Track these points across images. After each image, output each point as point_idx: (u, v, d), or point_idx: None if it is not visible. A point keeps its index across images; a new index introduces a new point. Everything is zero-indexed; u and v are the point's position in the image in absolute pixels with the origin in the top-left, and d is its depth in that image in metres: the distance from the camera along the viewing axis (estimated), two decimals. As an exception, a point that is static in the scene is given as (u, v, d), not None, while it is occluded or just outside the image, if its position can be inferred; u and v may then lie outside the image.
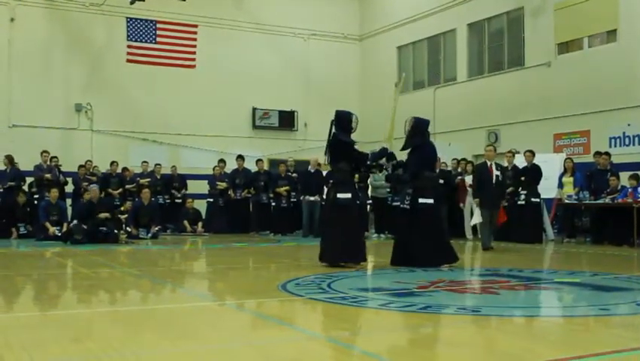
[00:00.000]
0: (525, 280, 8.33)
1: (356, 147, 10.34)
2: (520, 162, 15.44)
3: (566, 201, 15.26)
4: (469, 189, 16.13)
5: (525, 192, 14.97)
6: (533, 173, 14.98)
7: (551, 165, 15.83)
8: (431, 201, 9.79)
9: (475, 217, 14.02)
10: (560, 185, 15.50)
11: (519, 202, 15.01)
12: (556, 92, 17.43)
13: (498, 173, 13.18)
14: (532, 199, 14.89)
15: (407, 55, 22.85)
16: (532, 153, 15.08)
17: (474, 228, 15.19)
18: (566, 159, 15.84)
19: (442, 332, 5.36)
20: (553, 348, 4.63)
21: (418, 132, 10.49)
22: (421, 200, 9.76)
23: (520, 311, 6.40)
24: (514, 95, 18.59)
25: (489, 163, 13.32)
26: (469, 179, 16.26)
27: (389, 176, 13.21)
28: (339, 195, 9.70)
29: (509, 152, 16.07)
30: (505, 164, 15.87)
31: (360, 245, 9.83)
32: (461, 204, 16.21)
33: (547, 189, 15.32)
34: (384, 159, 10.53)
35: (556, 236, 15.62)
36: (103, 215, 14.89)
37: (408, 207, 9.86)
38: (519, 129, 18.13)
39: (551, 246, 14.55)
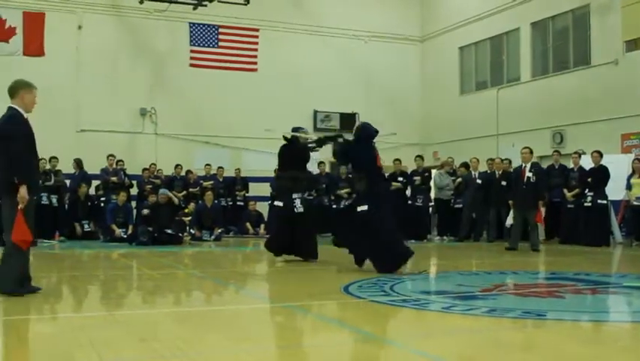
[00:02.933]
0: (592, 284, 8.13)
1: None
2: (587, 163, 15.11)
3: (634, 203, 14.84)
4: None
5: (592, 193, 14.65)
6: (600, 174, 14.63)
7: (619, 166, 15.40)
8: (365, 207, 9.34)
9: (509, 218, 14.19)
10: (628, 186, 15.07)
11: (585, 204, 14.71)
12: (623, 91, 16.97)
13: (530, 174, 13.39)
14: (599, 201, 14.55)
15: (469, 55, 22.60)
16: (600, 154, 14.74)
17: (508, 228, 15.00)
18: (634, 159, 15.38)
19: (507, 336, 5.27)
20: (623, 354, 4.50)
21: (362, 139, 10.23)
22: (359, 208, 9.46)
23: (588, 316, 6.24)
24: (579, 95, 18.18)
25: (523, 165, 13.65)
26: None
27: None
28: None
29: (575, 153, 15.76)
30: (571, 165, 15.60)
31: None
32: None
33: (615, 190, 14.92)
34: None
35: (624, 239, 15.22)
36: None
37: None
38: (585, 130, 17.73)
39: (619, 249, 14.19)
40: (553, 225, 16.09)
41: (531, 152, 13.86)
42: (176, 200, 16.33)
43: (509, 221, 14.26)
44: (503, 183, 15.93)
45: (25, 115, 7.07)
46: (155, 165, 19.15)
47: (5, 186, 6.71)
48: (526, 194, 13.45)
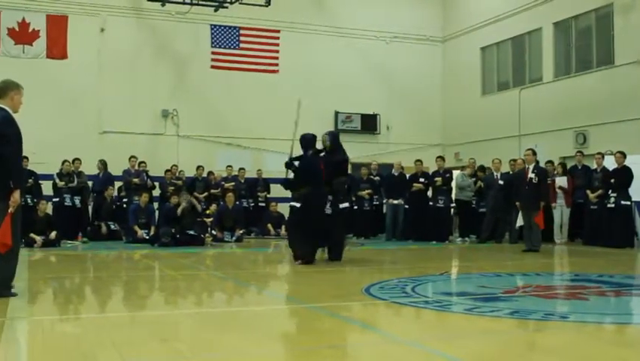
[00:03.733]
0: (616, 286, 8.05)
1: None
2: (611, 163, 14.97)
3: (659, 204, 14.70)
4: (559, 191, 15.80)
5: (615, 194, 14.51)
6: (624, 175, 14.48)
7: (643, 166, 15.27)
8: (347, 204, 11.34)
9: (518, 220, 14.19)
10: (653, 187, 14.93)
11: (609, 205, 14.57)
12: (647, 91, 16.81)
13: (532, 175, 13.50)
14: (623, 202, 14.41)
15: (491, 56, 22.48)
16: (623, 155, 14.59)
17: (520, 230, 14.92)
18: (659, 160, 15.25)
19: (530, 338, 5.23)
20: (648, 356, 4.45)
21: (336, 146, 11.56)
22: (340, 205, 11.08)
23: (611, 318, 6.18)
24: (603, 95, 18.01)
25: (527, 167, 13.79)
26: (560, 180, 15.89)
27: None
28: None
29: (598, 153, 15.62)
30: (594, 166, 15.47)
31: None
32: (552, 205, 15.80)
33: (639, 191, 14.77)
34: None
35: (648, 240, 15.06)
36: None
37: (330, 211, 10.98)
38: (609, 130, 17.55)
39: (644, 250, 14.04)
40: (577, 226, 15.98)
41: (534, 153, 13.88)
42: (199, 207, 16.29)
43: (518, 223, 14.28)
44: (500, 182, 16.29)
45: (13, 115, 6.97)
46: (176, 166, 19.24)
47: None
48: (529, 195, 13.51)
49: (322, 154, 11.52)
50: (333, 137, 11.80)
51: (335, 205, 11.10)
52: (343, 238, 11.57)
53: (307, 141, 11.41)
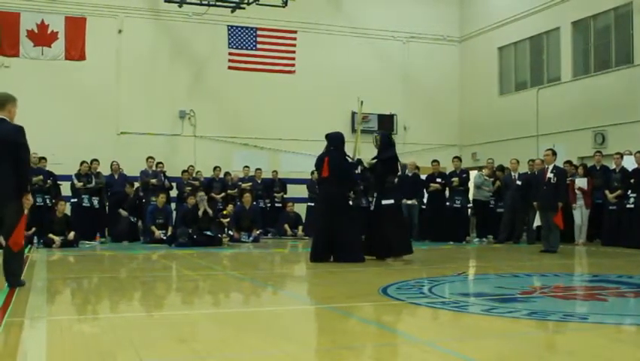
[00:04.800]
0: (635, 287, 7.97)
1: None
2: (630, 163, 14.86)
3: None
4: (578, 192, 15.69)
5: (635, 195, 14.41)
6: (643, 175, 14.39)
7: (663, 166, 15.14)
8: (392, 201, 11.26)
9: (536, 220, 14.17)
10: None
11: (628, 206, 14.48)
12: (667, 91, 16.67)
13: (551, 175, 13.43)
14: (643, 202, 14.31)
15: (508, 56, 22.38)
16: (643, 155, 14.50)
17: (537, 230, 14.83)
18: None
19: (548, 339, 5.20)
20: (668, 358, 4.41)
21: (386, 145, 11.77)
22: (384, 201, 11.21)
23: (631, 320, 6.12)
24: (622, 95, 17.88)
25: (546, 166, 13.73)
26: (579, 181, 15.78)
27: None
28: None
29: (617, 154, 15.51)
30: (613, 166, 15.36)
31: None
32: (573, 205, 15.70)
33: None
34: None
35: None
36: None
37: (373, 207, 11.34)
38: (628, 130, 17.43)
39: (664, 251, 13.91)
40: (595, 226, 15.87)
41: (554, 153, 13.79)
42: (210, 212, 16.13)
43: (537, 223, 14.23)
44: (518, 182, 16.23)
45: None
46: (193, 167, 19.32)
47: (15, 192, 7.31)
48: (547, 195, 13.43)
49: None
50: (383, 136, 11.93)
51: (379, 202, 11.20)
52: (392, 233, 11.23)
53: (333, 139, 11.44)
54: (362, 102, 12.67)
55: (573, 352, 4.60)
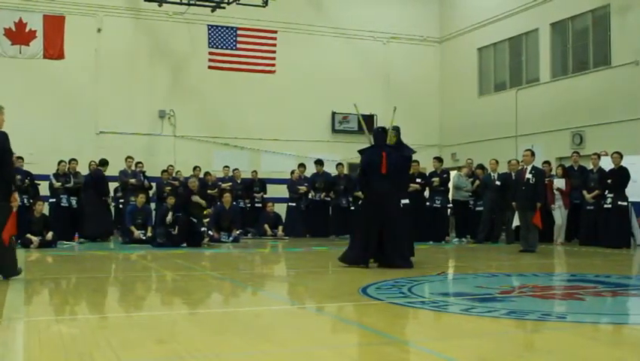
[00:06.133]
0: (612, 287, 8.06)
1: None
2: (607, 164, 14.99)
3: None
4: (556, 193, 15.80)
5: (612, 195, 14.54)
6: (620, 176, 14.50)
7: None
8: (407, 201, 10.99)
9: (515, 220, 14.29)
10: (649, 188, 14.95)
11: (605, 206, 14.60)
12: (644, 92, 16.83)
13: (530, 176, 13.51)
14: (620, 203, 14.45)
15: (488, 56, 22.51)
16: (620, 155, 14.61)
17: (516, 230, 14.94)
18: (655, 160, 15.27)
19: (527, 338, 5.23)
20: (645, 357, 4.45)
21: (401, 141, 11.14)
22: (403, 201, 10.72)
23: (608, 318, 6.19)
24: (600, 96, 18.05)
25: (524, 167, 13.83)
26: (558, 182, 15.89)
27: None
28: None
29: (594, 154, 15.64)
30: (591, 166, 15.48)
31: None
32: (552, 206, 15.81)
33: (636, 192, 14.79)
34: None
35: (645, 241, 15.08)
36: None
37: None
38: (605, 131, 17.59)
39: (640, 251, 14.06)
40: (573, 226, 15.99)
41: (532, 154, 13.86)
42: (202, 202, 16.05)
43: (515, 223, 14.33)
44: (497, 183, 16.32)
45: None
46: (172, 166, 19.23)
47: (2, 193, 8.05)
48: (526, 195, 13.53)
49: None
50: (398, 132, 11.15)
51: (398, 202, 10.57)
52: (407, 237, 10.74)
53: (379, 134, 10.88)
54: (355, 104, 12.97)
55: (552, 351, 4.63)
